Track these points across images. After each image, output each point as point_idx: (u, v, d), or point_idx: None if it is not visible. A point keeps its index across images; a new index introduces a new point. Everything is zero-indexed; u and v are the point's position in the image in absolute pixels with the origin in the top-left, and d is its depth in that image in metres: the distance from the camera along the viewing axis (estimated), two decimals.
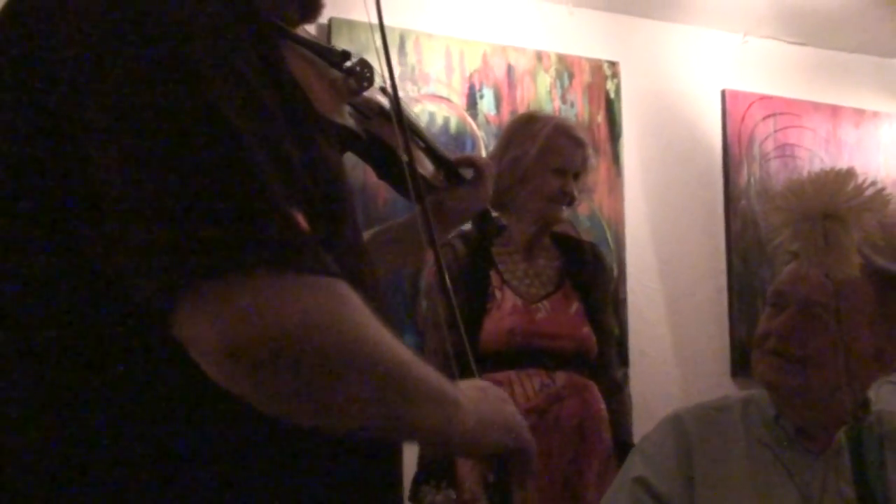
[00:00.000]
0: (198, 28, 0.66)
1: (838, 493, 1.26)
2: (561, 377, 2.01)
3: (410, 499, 2.05)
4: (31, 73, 0.68)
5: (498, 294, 2.05)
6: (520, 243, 2.12)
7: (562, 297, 2.09)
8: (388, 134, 0.99)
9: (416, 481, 1.99)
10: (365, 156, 1.09)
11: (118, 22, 0.65)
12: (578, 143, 2.13)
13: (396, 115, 0.95)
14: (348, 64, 0.97)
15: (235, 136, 0.63)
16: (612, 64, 3.73)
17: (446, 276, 0.96)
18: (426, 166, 1.10)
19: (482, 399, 0.82)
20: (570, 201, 2.13)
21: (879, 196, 1.02)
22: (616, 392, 2.15)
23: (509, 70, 3.55)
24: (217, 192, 0.61)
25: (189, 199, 0.61)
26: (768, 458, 1.33)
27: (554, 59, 3.63)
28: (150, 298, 0.61)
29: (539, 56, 3.61)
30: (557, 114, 3.56)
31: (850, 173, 1.03)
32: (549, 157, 2.07)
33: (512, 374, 2.00)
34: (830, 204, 1.01)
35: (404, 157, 0.97)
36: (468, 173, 1.21)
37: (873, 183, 1.03)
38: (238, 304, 0.60)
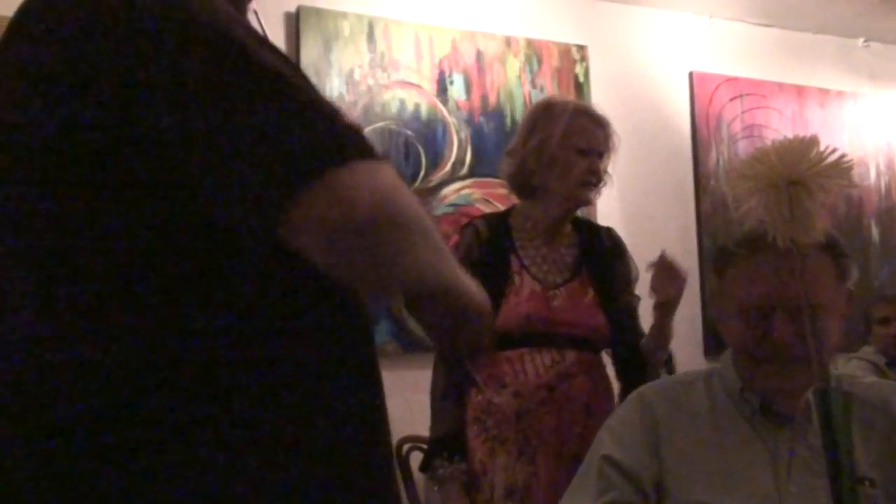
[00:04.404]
0: (225, 17, 0.82)
1: (808, 454, 1.29)
2: (571, 355, 2.04)
3: (421, 469, 2.11)
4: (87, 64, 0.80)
5: (517, 279, 2.07)
6: (542, 227, 2.13)
7: (578, 284, 2.10)
8: None
9: (429, 454, 2.04)
10: None
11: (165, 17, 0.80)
12: (600, 123, 2.14)
13: None
14: None
15: (289, 80, 0.81)
16: (581, 48, 3.75)
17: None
18: None
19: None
20: (598, 181, 2.13)
21: (841, 162, 1.04)
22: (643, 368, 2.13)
23: (479, 55, 3.56)
24: (301, 120, 0.79)
25: (282, 125, 0.78)
26: (736, 424, 1.36)
27: (523, 43, 3.65)
28: (271, 200, 0.76)
29: (508, 41, 3.63)
30: (527, 98, 3.58)
31: (812, 141, 1.05)
32: (573, 138, 2.08)
33: (524, 350, 2.04)
34: (795, 171, 1.03)
35: None
36: None
37: (835, 150, 1.05)
38: (345, 185, 0.77)
